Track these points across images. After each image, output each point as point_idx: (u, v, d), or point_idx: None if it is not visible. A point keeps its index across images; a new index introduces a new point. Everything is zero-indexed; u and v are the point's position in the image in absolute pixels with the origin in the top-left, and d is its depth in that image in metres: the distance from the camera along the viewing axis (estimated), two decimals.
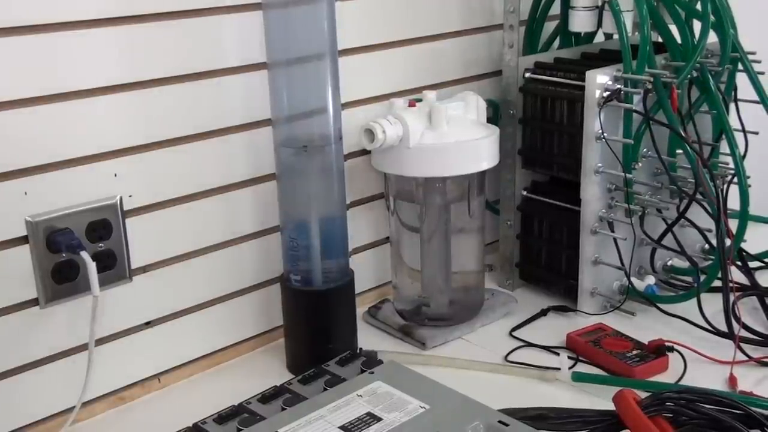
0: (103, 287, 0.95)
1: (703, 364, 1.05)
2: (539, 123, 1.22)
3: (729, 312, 1.09)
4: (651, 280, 1.23)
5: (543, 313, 1.22)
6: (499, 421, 0.84)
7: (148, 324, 1.04)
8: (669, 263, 1.28)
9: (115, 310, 0.99)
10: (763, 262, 1.31)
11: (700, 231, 1.25)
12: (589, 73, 1.12)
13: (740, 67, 1.22)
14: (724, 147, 1.22)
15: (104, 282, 0.96)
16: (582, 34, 1.31)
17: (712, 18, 1.15)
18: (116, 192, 0.97)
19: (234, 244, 1.09)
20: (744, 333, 1.09)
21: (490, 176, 1.21)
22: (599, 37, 1.33)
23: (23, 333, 0.94)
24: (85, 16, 0.91)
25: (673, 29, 1.18)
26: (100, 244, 0.96)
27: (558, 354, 1.07)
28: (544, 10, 1.29)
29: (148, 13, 0.95)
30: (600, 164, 1.14)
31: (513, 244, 1.29)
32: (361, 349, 1.06)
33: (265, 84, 1.03)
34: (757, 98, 1.21)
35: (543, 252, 1.27)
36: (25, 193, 0.91)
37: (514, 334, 1.17)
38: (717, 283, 1.12)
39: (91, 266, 0.92)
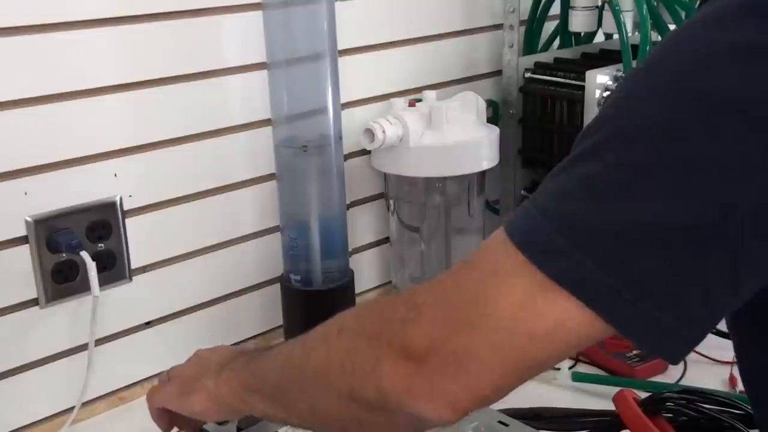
0: (103, 287, 0.95)
1: (703, 364, 1.05)
2: (539, 123, 1.22)
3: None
4: None
5: None
6: (499, 421, 0.84)
7: (148, 324, 1.04)
8: None
9: (115, 310, 0.99)
10: None
11: None
12: (589, 73, 1.12)
13: None
14: None
15: (104, 282, 0.96)
16: (582, 34, 1.31)
17: None
18: (116, 192, 0.97)
19: (234, 244, 1.09)
20: None
21: (490, 176, 1.21)
22: (599, 37, 1.33)
23: (23, 333, 0.94)
24: (85, 16, 0.91)
25: (673, 29, 1.18)
26: (100, 244, 0.96)
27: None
28: (544, 10, 1.29)
29: (148, 13, 0.95)
30: None
31: None
32: None
33: (265, 84, 1.03)
34: None
35: None
36: (25, 193, 0.91)
37: None
38: None
39: (91, 266, 0.92)
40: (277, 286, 1.11)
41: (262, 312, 1.14)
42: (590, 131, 0.52)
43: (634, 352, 1.06)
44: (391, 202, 1.18)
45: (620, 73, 1.12)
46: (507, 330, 0.51)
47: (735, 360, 1.02)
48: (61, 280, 0.94)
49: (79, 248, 0.92)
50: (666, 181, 0.48)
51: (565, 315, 0.50)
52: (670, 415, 0.84)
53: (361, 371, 0.56)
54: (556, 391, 1.02)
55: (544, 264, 0.50)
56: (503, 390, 0.54)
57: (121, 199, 0.97)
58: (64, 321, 0.96)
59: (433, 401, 0.53)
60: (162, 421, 0.79)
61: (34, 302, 0.94)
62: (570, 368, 1.04)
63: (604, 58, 1.24)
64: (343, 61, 1.08)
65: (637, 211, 0.48)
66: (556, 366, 1.04)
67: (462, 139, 1.10)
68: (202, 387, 0.73)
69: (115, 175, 0.97)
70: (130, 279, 1.00)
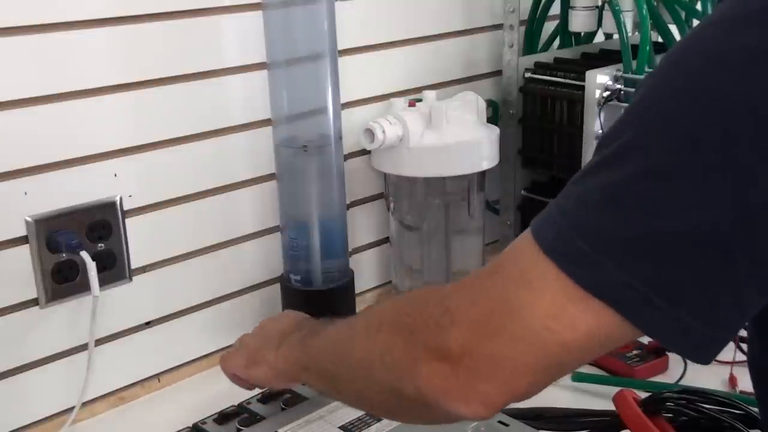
0: (103, 287, 0.95)
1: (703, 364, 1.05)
2: (539, 123, 1.22)
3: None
4: None
5: None
6: (499, 421, 0.84)
7: (148, 324, 1.04)
8: None
9: (115, 310, 0.99)
10: None
11: None
12: (589, 73, 1.12)
13: None
14: None
15: (104, 282, 0.96)
16: (582, 34, 1.31)
17: None
18: (116, 192, 0.97)
19: (234, 244, 1.09)
20: (744, 333, 1.08)
21: (490, 176, 1.21)
22: (599, 37, 1.33)
23: (23, 333, 0.94)
24: (85, 16, 0.91)
25: (673, 29, 1.18)
26: (100, 244, 0.96)
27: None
28: (544, 10, 1.29)
29: (148, 13, 0.95)
30: None
31: None
32: None
33: (265, 84, 1.03)
34: None
35: None
36: (25, 193, 0.91)
37: None
38: None
39: (91, 266, 0.92)
40: (277, 286, 1.11)
41: (262, 312, 1.14)
42: (611, 136, 0.53)
43: (634, 352, 1.06)
44: (391, 202, 1.18)
45: (620, 73, 1.12)
46: (539, 339, 0.53)
47: (735, 360, 1.02)
48: (61, 280, 0.94)
49: (79, 248, 0.92)
50: (686, 187, 0.48)
51: (597, 322, 0.52)
52: (670, 415, 0.85)
53: (400, 369, 0.59)
54: (556, 391, 1.01)
55: (573, 272, 0.51)
56: (536, 389, 0.56)
57: (121, 199, 0.97)
58: (64, 321, 0.96)
59: (467, 401, 0.56)
60: (240, 383, 0.87)
61: (34, 302, 0.94)
62: None
63: (604, 58, 1.24)
64: (343, 61, 1.08)
65: (660, 218, 0.49)
66: None
67: (462, 139, 1.10)
68: (264, 359, 0.81)
69: (115, 175, 0.97)
70: (130, 279, 1.00)
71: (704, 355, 0.52)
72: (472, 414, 0.56)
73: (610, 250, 0.50)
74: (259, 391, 0.93)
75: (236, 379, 0.87)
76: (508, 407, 0.86)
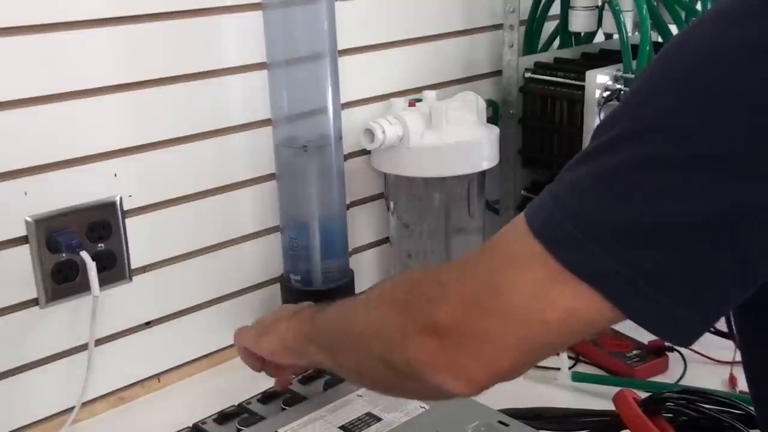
0: (103, 287, 0.95)
1: (703, 364, 1.05)
2: (539, 123, 1.22)
3: (728, 312, 1.09)
4: None
5: None
6: (499, 421, 0.84)
7: (148, 324, 1.04)
8: None
9: (115, 310, 0.99)
10: None
11: None
12: (589, 73, 1.12)
13: None
14: None
15: (104, 282, 0.96)
16: (582, 34, 1.31)
17: None
18: (116, 192, 0.97)
19: (234, 244, 1.09)
20: None
21: (490, 176, 1.21)
22: (599, 37, 1.33)
23: (23, 333, 0.94)
24: (85, 16, 0.91)
25: (673, 29, 1.18)
26: (100, 244, 0.96)
27: (558, 354, 1.06)
28: (544, 10, 1.28)
29: (148, 13, 0.95)
30: None
31: None
32: None
33: (265, 84, 1.03)
34: None
35: None
36: (25, 193, 0.91)
37: None
38: None
39: (91, 266, 0.92)
40: (277, 286, 1.11)
41: (262, 312, 1.13)
42: (606, 126, 0.54)
43: (634, 352, 1.06)
44: (391, 202, 1.18)
45: (620, 73, 1.12)
46: (520, 317, 0.54)
47: (735, 360, 1.02)
48: (61, 280, 0.94)
49: (79, 248, 0.92)
50: (678, 178, 0.49)
51: (579, 304, 0.52)
52: (670, 415, 0.85)
53: (392, 341, 0.60)
54: (556, 391, 1.02)
55: (560, 254, 0.52)
56: (519, 369, 0.57)
57: (121, 199, 0.97)
58: (64, 321, 0.96)
59: (452, 376, 0.57)
60: (249, 360, 0.89)
61: (34, 302, 0.94)
62: (570, 368, 1.04)
63: (604, 58, 1.24)
64: (343, 61, 1.08)
65: (651, 207, 0.50)
66: (556, 366, 1.04)
67: (462, 139, 1.10)
68: (275, 330, 0.83)
69: (115, 175, 0.97)
70: (130, 279, 1.00)
71: (685, 339, 0.53)
72: (456, 389, 0.57)
73: (599, 236, 0.51)
74: (258, 392, 0.92)
75: (246, 354, 0.88)
76: (508, 407, 0.87)
